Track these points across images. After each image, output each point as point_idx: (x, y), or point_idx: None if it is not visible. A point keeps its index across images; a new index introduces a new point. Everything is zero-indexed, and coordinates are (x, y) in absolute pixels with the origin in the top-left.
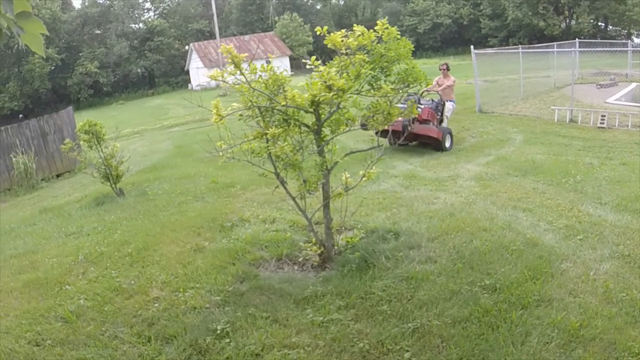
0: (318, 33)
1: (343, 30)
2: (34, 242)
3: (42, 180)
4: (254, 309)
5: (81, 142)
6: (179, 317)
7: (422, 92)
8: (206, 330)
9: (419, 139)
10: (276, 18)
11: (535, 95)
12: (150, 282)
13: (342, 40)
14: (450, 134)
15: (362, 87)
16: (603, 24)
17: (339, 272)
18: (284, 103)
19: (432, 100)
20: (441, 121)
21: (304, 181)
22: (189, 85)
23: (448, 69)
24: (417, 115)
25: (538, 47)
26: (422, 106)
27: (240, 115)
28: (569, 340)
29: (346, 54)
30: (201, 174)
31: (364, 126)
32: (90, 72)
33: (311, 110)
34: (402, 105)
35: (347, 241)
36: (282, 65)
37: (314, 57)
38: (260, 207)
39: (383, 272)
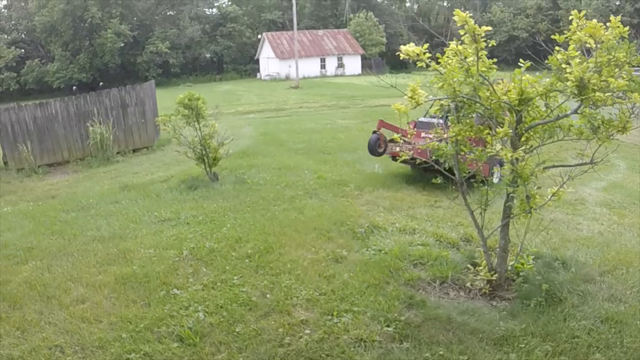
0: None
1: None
2: (120, 224)
3: (117, 153)
4: (444, 350)
5: (177, 117)
6: (346, 352)
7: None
8: None
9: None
10: (351, 15)
11: None
12: (289, 297)
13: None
14: (501, 164)
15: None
16: None
17: (524, 306)
18: (505, 98)
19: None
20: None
21: (527, 197)
22: (258, 74)
23: None
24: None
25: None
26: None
27: (441, 104)
28: None
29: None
30: (302, 166)
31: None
32: (161, 51)
33: (517, 109)
34: None
35: (517, 267)
36: (354, 64)
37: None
38: (388, 213)
39: (573, 310)
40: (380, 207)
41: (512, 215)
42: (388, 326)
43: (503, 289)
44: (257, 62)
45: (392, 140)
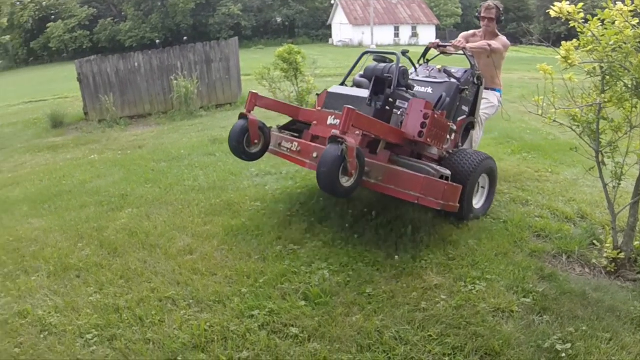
0: None
1: None
2: (218, 176)
3: (200, 108)
4: (586, 326)
5: (274, 72)
6: (487, 321)
7: (428, 48)
8: (538, 349)
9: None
10: None
11: None
12: (417, 260)
13: None
14: (491, 173)
15: None
16: None
17: None
18: None
19: (448, 75)
20: (469, 131)
21: None
22: (330, 40)
23: (499, 20)
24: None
25: None
26: (415, 91)
27: (594, 68)
28: None
29: None
30: None
31: None
32: (233, 14)
33: None
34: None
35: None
36: (428, 34)
37: None
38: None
39: None
40: None
41: None
42: (525, 297)
43: (626, 269)
44: (329, 27)
45: (287, 126)
